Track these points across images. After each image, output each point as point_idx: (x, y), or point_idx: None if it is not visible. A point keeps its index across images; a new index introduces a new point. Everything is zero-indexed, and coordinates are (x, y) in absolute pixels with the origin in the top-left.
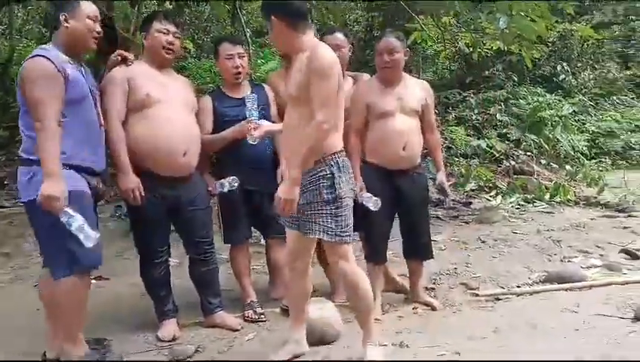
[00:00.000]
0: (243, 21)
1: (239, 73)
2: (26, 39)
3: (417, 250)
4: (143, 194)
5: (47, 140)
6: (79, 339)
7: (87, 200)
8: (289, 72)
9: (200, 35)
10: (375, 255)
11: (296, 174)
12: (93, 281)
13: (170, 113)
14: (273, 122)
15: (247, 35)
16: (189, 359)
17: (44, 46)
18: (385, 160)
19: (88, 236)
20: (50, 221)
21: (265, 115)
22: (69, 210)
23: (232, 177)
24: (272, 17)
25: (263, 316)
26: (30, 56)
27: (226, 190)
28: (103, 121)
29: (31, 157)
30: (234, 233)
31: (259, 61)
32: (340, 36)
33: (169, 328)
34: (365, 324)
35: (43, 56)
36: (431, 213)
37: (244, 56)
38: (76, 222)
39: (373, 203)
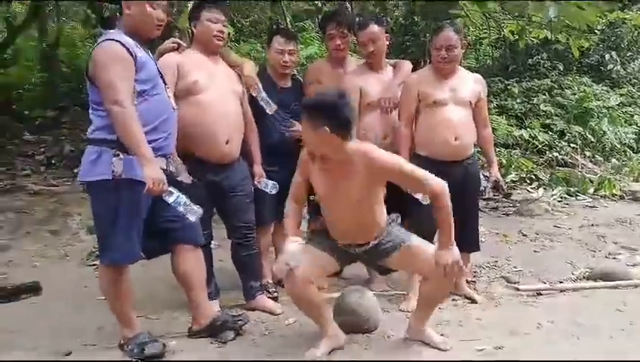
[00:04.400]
0: (283, 5)
1: (286, 67)
2: (73, 21)
3: (466, 241)
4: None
5: (128, 122)
6: (133, 322)
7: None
8: (324, 170)
9: (239, 19)
10: None
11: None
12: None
13: (215, 101)
14: None
15: (287, 19)
16: (230, 341)
17: (111, 31)
18: (436, 150)
19: (193, 211)
20: (108, 207)
21: (297, 111)
22: (172, 189)
23: (274, 183)
24: (323, 127)
25: (276, 293)
26: (100, 40)
27: (265, 189)
28: (175, 104)
29: (98, 137)
30: (258, 215)
31: (299, 46)
32: (374, 28)
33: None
34: (431, 310)
35: (113, 39)
36: None
37: (293, 53)
38: (182, 198)
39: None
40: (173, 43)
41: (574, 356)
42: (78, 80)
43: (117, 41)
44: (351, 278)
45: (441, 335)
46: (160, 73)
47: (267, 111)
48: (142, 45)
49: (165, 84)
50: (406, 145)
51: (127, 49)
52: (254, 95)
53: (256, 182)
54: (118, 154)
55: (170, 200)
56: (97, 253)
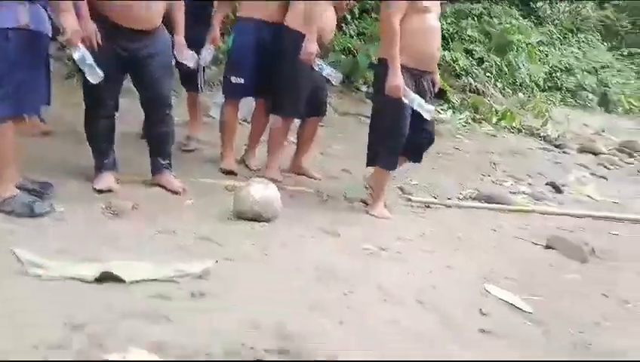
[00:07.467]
0: None
1: None
2: None
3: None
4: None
5: None
6: (5, 181)
7: (46, 43)
8: None
9: None
10: (393, 164)
11: None
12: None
13: None
14: None
15: None
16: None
17: None
18: (418, 59)
19: (95, 73)
20: (3, 56)
21: None
22: (81, 46)
23: (193, 53)
24: None
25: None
26: None
27: (185, 62)
28: None
29: None
30: None
31: None
32: None
33: (105, 179)
34: None
35: None
36: None
37: None
38: (86, 56)
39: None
40: None
41: (447, 264)
42: None
43: None
44: (258, 170)
45: (335, 231)
46: None
47: None
48: None
49: None
50: (397, 42)
51: None
52: None
53: (175, 52)
54: (24, 3)
55: (76, 56)
56: None
